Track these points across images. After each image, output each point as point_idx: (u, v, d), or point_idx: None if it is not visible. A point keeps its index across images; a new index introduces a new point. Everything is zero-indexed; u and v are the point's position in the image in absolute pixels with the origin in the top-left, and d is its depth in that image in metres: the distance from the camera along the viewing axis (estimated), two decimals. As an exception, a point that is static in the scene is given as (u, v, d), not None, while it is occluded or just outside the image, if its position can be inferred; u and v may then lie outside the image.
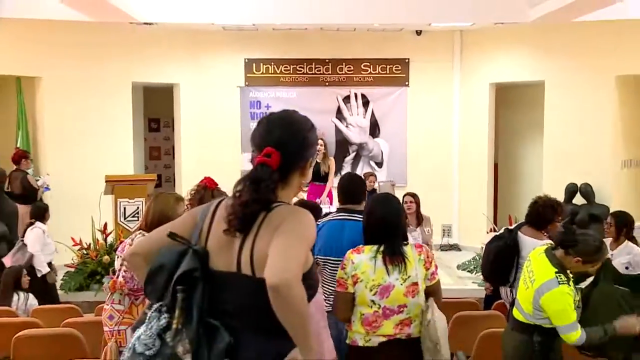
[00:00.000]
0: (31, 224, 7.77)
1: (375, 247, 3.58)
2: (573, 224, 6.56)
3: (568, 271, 3.90)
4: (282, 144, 2.31)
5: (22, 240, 7.68)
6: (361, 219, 4.13)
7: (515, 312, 4.05)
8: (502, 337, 4.20)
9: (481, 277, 7.15)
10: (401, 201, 7.52)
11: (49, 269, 7.74)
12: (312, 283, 2.31)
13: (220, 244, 2.29)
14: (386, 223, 3.65)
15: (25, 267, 7.40)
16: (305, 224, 2.27)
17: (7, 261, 7.64)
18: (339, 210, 4.72)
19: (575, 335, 3.71)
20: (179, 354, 2.17)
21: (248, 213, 2.24)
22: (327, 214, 4.89)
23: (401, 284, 3.51)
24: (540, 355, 3.84)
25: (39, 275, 7.58)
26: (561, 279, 3.77)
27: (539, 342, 3.85)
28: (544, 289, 3.77)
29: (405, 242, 3.66)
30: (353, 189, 4.72)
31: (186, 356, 2.17)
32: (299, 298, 2.09)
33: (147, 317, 2.26)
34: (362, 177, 5.17)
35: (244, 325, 2.24)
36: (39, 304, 6.99)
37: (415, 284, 3.53)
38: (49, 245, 7.88)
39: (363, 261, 3.55)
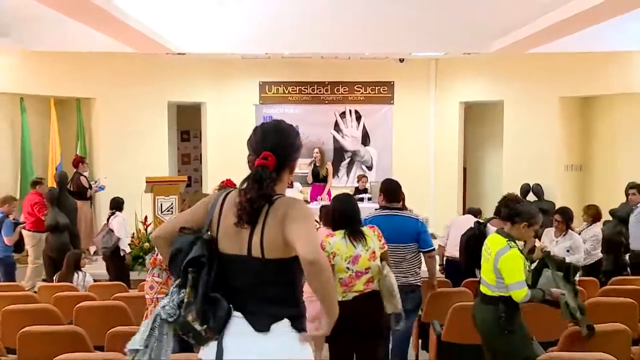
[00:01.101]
0: (113, 213, 7.87)
1: (342, 231, 4.00)
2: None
3: (517, 242, 3.96)
4: (275, 148, 2.33)
5: (108, 226, 7.79)
6: (401, 214, 4.97)
7: (482, 288, 4.07)
8: (473, 309, 4.19)
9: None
10: None
11: (130, 250, 7.90)
12: None
13: (229, 232, 2.29)
14: (347, 215, 4.09)
15: (112, 248, 7.64)
16: (307, 210, 2.30)
17: (98, 243, 7.87)
18: (383, 208, 5.00)
19: (522, 292, 3.75)
20: (189, 320, 2.21)
21: (255, 208, 2.25)
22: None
23: (365, 253, 3.94)
24: (505, 321, 3.84)
25: (122, 254, 7.74)
26: (512, 245, 3.86)
27: (504, 310, 3.85)
28: (500, 254, 3.84)
29: (361, 225, 4.10)
30: (394, 193, 5.03)
31: (195, 323, 2.20)
32: (328, 267, 2.18)
33: (170, 292, 2.30)
34: (399, 184, 5.24)
35: (249, 296, 2.26)
36: (116, 279, 7.14)
37: (374, 252, 3.97)
38: (127, 231, 8.02)
39: (337, 241, 3.96)
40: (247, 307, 2.25)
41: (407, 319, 4.86)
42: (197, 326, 2.20)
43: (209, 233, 2.32)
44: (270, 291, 2.24)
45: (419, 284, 4.98)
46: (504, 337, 3.86)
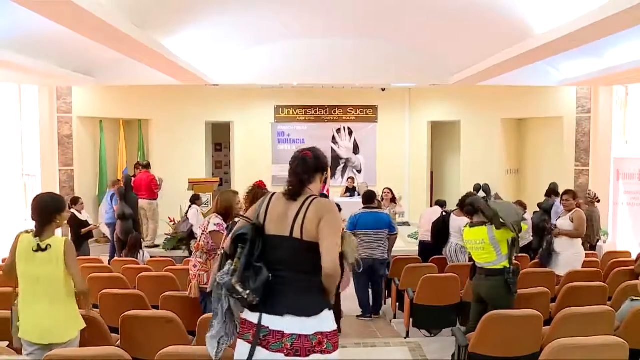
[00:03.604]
0: (190, 206, 7.92)
1: None
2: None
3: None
4: (314, 152, 2.41)
5: (186, 216, 7.88)
6: (377, 211, 5.68)
7: (485, 267, 3.97)
8: (476, 284, 4.06)
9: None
10: (382, 192, 8.20)
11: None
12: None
13: (275, 219, 2.29)
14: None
15: (188, 233, 7.73)
16: (338, 220, 2.29)
17: (179, 228, 8.03)
18: (364, 208, 5.68)
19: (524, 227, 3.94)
20: (233, 283, 2.18)
21: (297, 183, 2.30)
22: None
23: None
24: (513, 284, 3.83)
25: (195, 237, 7.72)
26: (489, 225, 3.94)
27: (511, 277, 3.82)
28: (491, 236, 3.87)
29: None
30: (371, 198, 5.77)
31: (237, 285, 2.17)
32: (338, 275, 2.22)
33: (228, 263, 2.29)
34: (374, 191, 6.12)
35: (289, 267, 2.24)
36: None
37: None
38: (200, 220, 8.01)
39: None
40: (287, 276, 2.23)
41: (381, 279, 5.76)
42: (239, 288, 2.17)
43: (257, 220, 2.32)
44: (302, 264, 2.24)
45: (387, 257, 5.68)
46: (509, 296, 3.82)
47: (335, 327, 2.28)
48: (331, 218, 2.25)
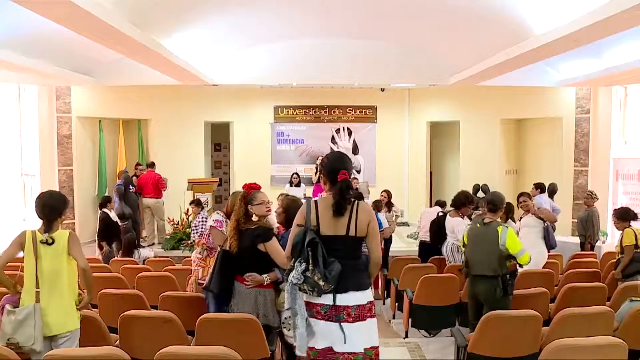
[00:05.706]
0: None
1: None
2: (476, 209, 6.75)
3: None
4: (347, 169, 2.83)
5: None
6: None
7: (482, 269, 3.97)
8: (474, 287, 4.07)
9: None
10: (379, 195, 8.03)
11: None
12: None
13: (329, 222, 2.76)
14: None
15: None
16: (377, 223, 2.86)
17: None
18: None
19: (526, 256, 3.85)
20: (316, 279, 2.63)
21: (344, 204, 2.75)
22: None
23: None
24: (510, 287, 3.87)
25: None
26: (507, 226, 3.97)
27: (509, 279, 3.87)
28: (503, 235, 3.89)
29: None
30: (359, 198, 5.69)
31: (319, 280, 2.63)
32: (380, 263, 2.88)
33: (294, 267, 2.71)
34: (361, 192, 6.47)
35: (346, 257, 2.74)
36: None
37: None
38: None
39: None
40: (345, 262, 2.70)
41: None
42: (321, 282, 2.64)
43: (313, 226, 2.75)
44: (355, 255, 2.80)
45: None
46: (505, 299, 3.87)
47: None
48: (375, 220, 2.86)
